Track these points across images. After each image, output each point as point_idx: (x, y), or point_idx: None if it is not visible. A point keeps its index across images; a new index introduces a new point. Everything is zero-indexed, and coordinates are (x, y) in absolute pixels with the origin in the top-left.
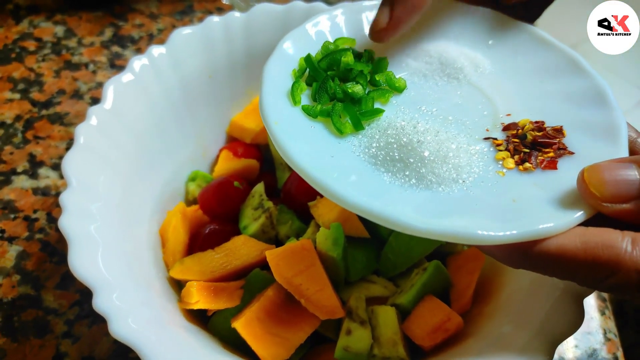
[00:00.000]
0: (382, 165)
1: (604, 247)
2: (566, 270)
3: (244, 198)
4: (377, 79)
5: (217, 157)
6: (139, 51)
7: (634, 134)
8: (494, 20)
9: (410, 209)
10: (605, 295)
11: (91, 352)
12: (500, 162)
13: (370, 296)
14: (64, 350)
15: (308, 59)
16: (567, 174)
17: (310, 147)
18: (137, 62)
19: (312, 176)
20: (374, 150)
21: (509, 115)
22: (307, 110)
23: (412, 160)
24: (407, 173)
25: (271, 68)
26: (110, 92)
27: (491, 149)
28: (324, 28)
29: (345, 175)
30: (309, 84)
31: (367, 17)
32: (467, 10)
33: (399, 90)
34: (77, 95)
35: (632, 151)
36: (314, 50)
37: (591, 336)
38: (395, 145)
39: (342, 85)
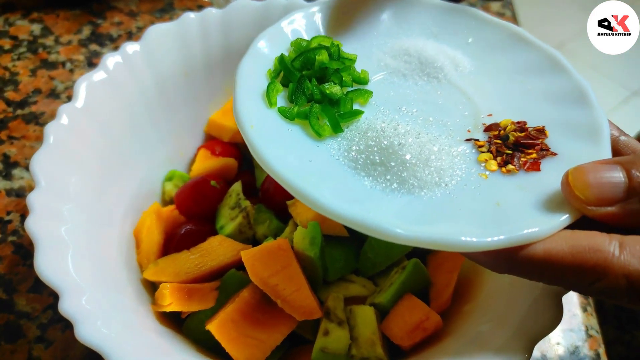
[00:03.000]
0: (363, 170)
1: (591, 251)
2: (553, 275)
3: (221, 197)
4: (344, 78)
5: (195, 156)
6: (118, 50)
7: (616, 132)
8: (473, 18)
9: (392, 216)
10: None
11: (65, 357)
12: (483, 164)
13: (349, 296)
14: (36, 355)
15: (281, 59)
16: (550, 176)
17: (287, 152)
18: (111, 60)
19: (290, 182)
20: (353, 153)
21: (490, 115)
22: (283, 113)
23: (393, 164)
24: (388, 177)
25: (245, 68)
26: (82, 91)
27: (473, 151)
28: (300, 26)
29: (324, 180)
30: (285, 85)
31: (344, 15)
32: (445, 6)
33: (364, 82)
34: (53, 94)
35: (614, 150)
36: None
37: (573, 333)
38: (375, 149)
39: (320, 85)
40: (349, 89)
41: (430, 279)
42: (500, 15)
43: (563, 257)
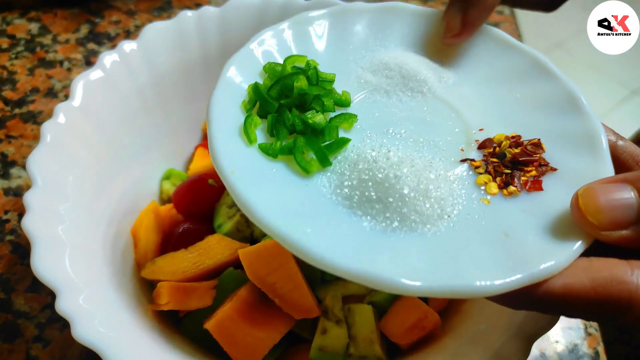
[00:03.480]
0: (359, 208)
1: (613, 283)
2: (575, 310)
3: (219, 196)
4: (326, 103)
5: (193, 154)
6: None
7: (613, 137)
8: None
9: (399, 264)
10: None
11: (63, 357)
12: (483, 188)
13: (347, 294)
14: (34, 354)
15: (256, 88)
16: (554, 195)
17: (275, 196)
18: (108, 58)
19: (284, 236)
20: (347, 190)
21: (481, 130)
22: (265, 150)
23: (391, 200)
24: (387, 215)
25: (217, 102)
26: (79, 89)
27: (470, 173)
28: (271, 46)
29: (321, 228)
30: (262, 116)
31: (315, 30)
32: (421, 12)
33: (346, 104)
34: (51, 93)
35: (613, 155)
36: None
37: (572, 331)
38: (370, 183)
39: (302, 115)
40: (332, 114)
41: None
42: (499, 13)
43: (584, 291)
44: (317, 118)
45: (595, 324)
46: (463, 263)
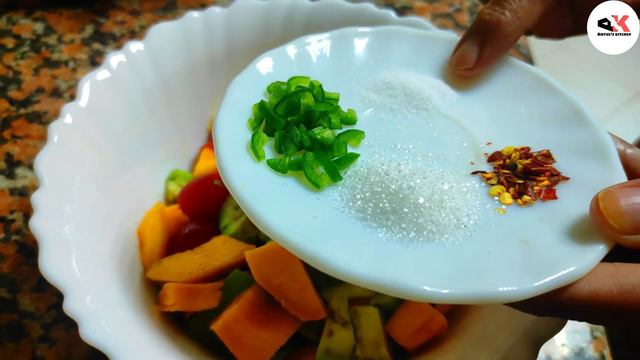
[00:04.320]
0: (374, 220)
1: None
2: (602, 316)
3: (225, 197)
4: (332, 120)
5: (199, 155)
6: (120, 48)
7: (622, 145)
8: (451, 44)
9: (419, 272)
10: None
11: (68, 357)
12: (497, 198)
13: (353, 296)
14: (40, 354)
15: (262, 106)
16: (569, 203)
17: (287, 210)
18: (114, 59)
19: (300, 248)
20: (359, 203)
21: (489, 144)
22: (274, 166)
23: (406, 210)
24: (403, 226)
25: (223, 121)
26: (85, 90)
27: (482, 184)
28: (274, 68)
29: (337, 239)
30: (269, 134)
31: (317, 52)
32: (420, 35)
33: (352, 121)
34: (56, 93)
35: (623, 164)
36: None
37: (578, 334)
38: (383, 195)
39: (309, 131)
40: (338, 131)
41: None
42: None
43: (612, 297)
44: (325, 134)
45: (601, 328)
46: (485, 270)
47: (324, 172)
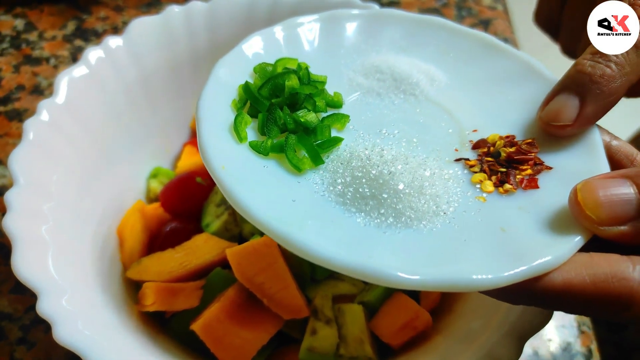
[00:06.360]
0: (353, 205)
1: (614, 279)
2: (574, 305)
3: (207, 195)
4: (317, 103)
5: (181, 152)
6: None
7: (607, 137)
8: (442, 29)
9: (394, 258)
10: None
11: (47, 359)
12: (478, 186)
13: (337, 294)
14: (18, 357)
15: (247, 87)
16: (550, 193)
17: (266, 193)
18: (93, 54)
19: (275, 231)
20: (339, 187)
21: (475, 131)
22: (256, 148)
23: (385, 196)
24: (382, 211)
25: (207, 101)
26: (63, 86)
27: (465, 172)
28: (262, 49)
29: (314, 223)
30: (253, 116)
31: (306, 34)
32: (411, 18)
33: (338, 105)
34: (37, 91)
35: (608, 155)
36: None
37: (565, 329)
38: (364, 180)
39: (293, 114)
40: (324, 114)
41: None
42: (492, 9)
43: (584, 287)
44: (309, 117)
45: (588, 322)
46: (460, 257)
47: (306, 155)
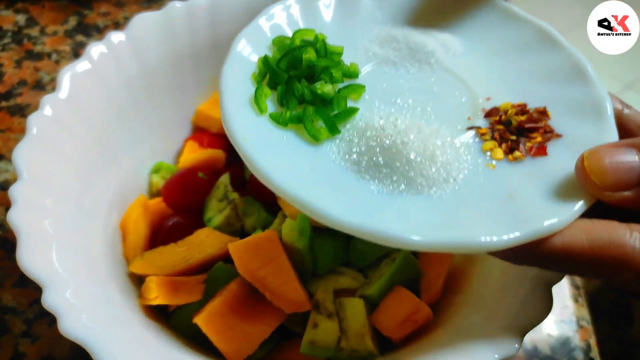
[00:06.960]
0: (367, 172)
1: (611, 245)
2: (573, 267)
3: (209, 189)
4: (334, 75)
5: (183, 147)
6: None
7: (619, 105)
8: None
9: (405, 222)
10: (579, 282)
11: (51, 352)
12: (489, 153)
13: (339, 288)
14: (22, 350)
15: (265, 61)
16: (558, 160)
17: (286, 162)
18: (95, 49)
19: (295, 196)
20: (355, 156)
21: (488, 99)
22: (275, 119)
23: (398, 165)
24: (394, 179)
25: (228, 75)
26: (65, 81)
27: (476, 140)
28: (279, 21)
29: (331, 190)
30: (272, 88)
31: (322, 5)
32: None
33: (354, 75)
34: (39, 86)
35: (618, 123)
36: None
37: (564, 324)
38: (378, 149)
39: (311, 85)
40: (340, 85)
41: (421, 270)
42: None
43: (582, 250)
44: (325, 88)
45: (587, 317)
46: (468, 220)
47: (323, 125)
